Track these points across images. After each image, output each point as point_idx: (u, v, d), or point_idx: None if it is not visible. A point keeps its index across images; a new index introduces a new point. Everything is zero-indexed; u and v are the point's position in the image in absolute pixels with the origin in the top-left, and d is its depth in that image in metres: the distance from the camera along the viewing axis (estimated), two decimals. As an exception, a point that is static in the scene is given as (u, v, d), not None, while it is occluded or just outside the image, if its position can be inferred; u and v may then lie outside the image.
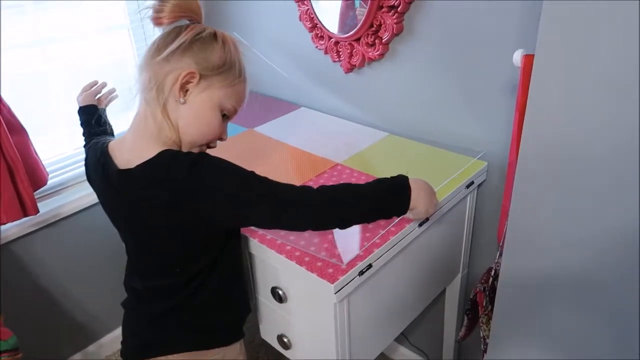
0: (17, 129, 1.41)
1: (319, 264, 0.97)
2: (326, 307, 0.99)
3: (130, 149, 0.90)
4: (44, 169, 1.51)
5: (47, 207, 1.57)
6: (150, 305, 1.01)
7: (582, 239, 0.83)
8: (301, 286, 1.04)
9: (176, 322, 0.99)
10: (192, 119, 0.88)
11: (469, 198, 1.29)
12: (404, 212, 0.95)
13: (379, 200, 0.92)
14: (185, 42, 0.84)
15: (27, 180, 1.42)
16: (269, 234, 1.06)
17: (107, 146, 0.94)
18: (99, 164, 0.93)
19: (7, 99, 1.37)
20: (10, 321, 1.23)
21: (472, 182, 1.24)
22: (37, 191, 1.49)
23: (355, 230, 1.05)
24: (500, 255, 1.07)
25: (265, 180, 0.86)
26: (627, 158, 0.72)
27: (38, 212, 1.47)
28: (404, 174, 0.96)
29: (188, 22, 0.87)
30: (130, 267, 1.06)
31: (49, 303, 1.67)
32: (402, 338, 1.83)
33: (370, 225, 1.06)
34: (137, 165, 0.85)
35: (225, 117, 0.92)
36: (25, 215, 1.44)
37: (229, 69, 0.88)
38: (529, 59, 0.90)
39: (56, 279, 1.66)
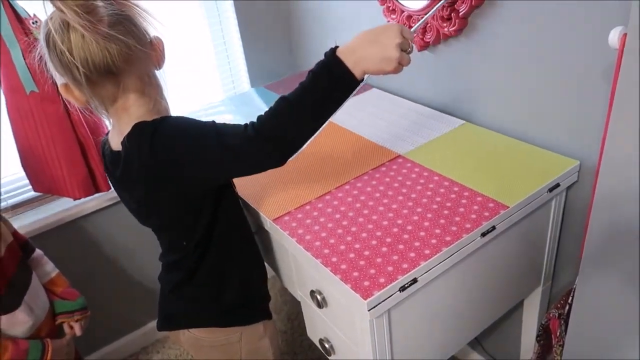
0: (89, 108, 1.45)
1: (356, 273, 0.86)
2: (363, 322, 0.88)
3: (115, 129, 0.89)
4: (117, 146, 1.55)
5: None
6: (169, 279, 1.03)
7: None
8: (338, 294, 0.94)
9: (190, 296, 1.01)
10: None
11: (553, 203, 1.08)
12: (355, 84, 0.80)
13: (318, 90, 0.79)
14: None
15: (99, 158, 1.46)
16: (308, 234, 0.97)
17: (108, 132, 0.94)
18: (101, 150, 0.95)
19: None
20: (84, 291, 1.29)
21: (558, 185, 1.03)
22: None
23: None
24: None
25: (214, 129, 0.82)
26: None
27: (110, 188, 1.51)
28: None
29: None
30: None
31: (116, 275, 1.74)
32: (475, 343, 1.66)
33: (422, 233, 0.92)
34: (121, 143, 0.84)
35: None
36: (97, 191, 1.50)
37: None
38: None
39: (125, 252, 1.72)
